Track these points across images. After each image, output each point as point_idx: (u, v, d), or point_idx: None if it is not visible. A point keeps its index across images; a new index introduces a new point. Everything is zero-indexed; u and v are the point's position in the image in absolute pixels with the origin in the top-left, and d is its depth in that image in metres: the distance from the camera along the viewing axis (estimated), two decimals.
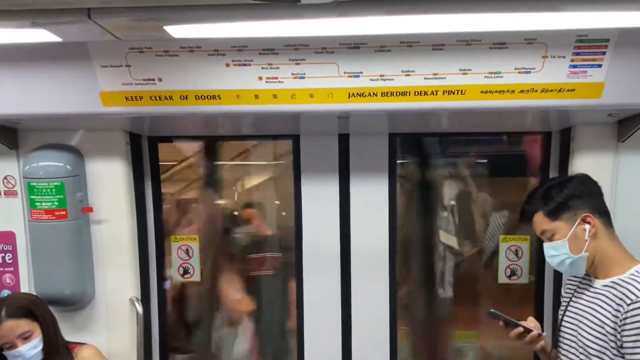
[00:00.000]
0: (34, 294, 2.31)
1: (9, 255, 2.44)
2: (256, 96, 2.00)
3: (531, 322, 1.98)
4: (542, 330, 1.96)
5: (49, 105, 2.08)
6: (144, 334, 2.48)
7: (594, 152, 2.24)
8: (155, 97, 2.02)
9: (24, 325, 2.08)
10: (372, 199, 2.53)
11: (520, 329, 1.92)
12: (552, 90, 1.91)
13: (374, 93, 1.95)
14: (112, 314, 2.49)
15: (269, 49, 1.89)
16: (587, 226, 1.82)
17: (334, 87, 1.95)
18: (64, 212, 2.30)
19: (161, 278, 2.70)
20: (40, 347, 2.11)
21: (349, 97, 1.97)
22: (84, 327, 2.48)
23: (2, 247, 2.44)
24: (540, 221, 1.90)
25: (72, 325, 2.45)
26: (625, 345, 1.67)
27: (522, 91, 1.92)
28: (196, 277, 2.71)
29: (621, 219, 1.95)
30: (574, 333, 1.87)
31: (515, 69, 1.88)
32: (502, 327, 1.97)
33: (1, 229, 2.43)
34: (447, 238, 2.94)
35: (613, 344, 1.71)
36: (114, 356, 2.39)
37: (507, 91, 1.92)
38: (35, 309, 2.13)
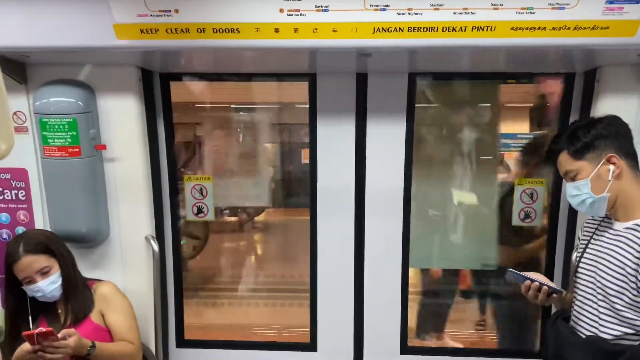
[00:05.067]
0: (50, 230, 2.31)
1: (22, 193, 2.41)
2: (276, 30, 1.92)
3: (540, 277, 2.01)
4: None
5: (60, 38, 2.00)
6: (159, 272, 2.51)
7: (619, 94, 2.19)
8: (171, 30, 1.94)
9: (42, 260, 2.09)
10: (389, 141, 2.50)
11: (546, 288, 1.95)
12: (585, 28, 1.84)
13: (400, 28, 1.88)
14: (127, 252, 2.49)
15: None
16: (611, 167, 1.80)
17: (358, 21, 1.88)
18: (77, 149, 2.26)
19: (175, 217, 2.69)
20: (59, 282, 2.13)
21: (374, 33, 1.89)
22: (99, 265, 2.49)
23: (15, 184, 2.41)
24: (565, 161, 1.88)
25: (88, 262, 2.47)
26: None
27: (553, 28, 1.85)
28: (210, 216, 2.70)
29: None
30: (592, 274, 1.89)
31: (549, 4, 1.81)
32: (525, 289, 1.97)
33: (13, 166, 2.39)
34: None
35: (633, 285, 1.73)
36: (130, 293, 2.41)
37: (539, 28, 1.85)
38: (52, 246, 2.14)
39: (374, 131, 2.50)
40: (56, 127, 2.22)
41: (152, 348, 2.54)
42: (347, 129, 2.51)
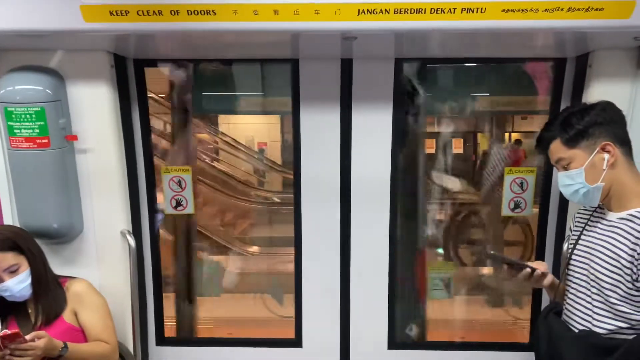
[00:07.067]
0: (18, 226, 2.19)
1: None
2: (255, 12, 1.81)
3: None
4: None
5: (22, 20, 1.86)
6: (137, 268, 2.40)
7: (612, 80, 2.12)
8: (142, 12, 1.82)
9: (9, 258, 1.98)
10: (375, 129, 2.41)
11: (528, 270, 1.87)
12: (579, 9, 1.76)
13: (386, 10, 1.78)
14: (102, 248, 2.38)
15: None
16: (606, 155, 1.74)
17: (342, 2, 1.77)
18: (46, 140, 2.13)
19: (152, 210, 2.57)
20: (29, 281, 2.02)
21: (359, 15, 1.79)
22: (73, 261, 2.38)
23: None
24: (557, 149, 1.81)
25: (61, 259, 2.35)
26: None
27: (546, 10, 1.76)
28: (189, 209, 2.60)
29: (635, 149, 1.86)
30: (585, 266, 1.83)
31: None
32: (505, 270, 1.92)
33: None
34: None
35: (628, 277, 1.67)
36: (106, 290, 2.30)
37: (531, 10, 1.76)
38: (20, 242, 2.02)
39: (359, 119, 2.41)
40: (22, 116, 2.09)
41: (130, 347, 2.44)
42: (331, 117, 2.42)
